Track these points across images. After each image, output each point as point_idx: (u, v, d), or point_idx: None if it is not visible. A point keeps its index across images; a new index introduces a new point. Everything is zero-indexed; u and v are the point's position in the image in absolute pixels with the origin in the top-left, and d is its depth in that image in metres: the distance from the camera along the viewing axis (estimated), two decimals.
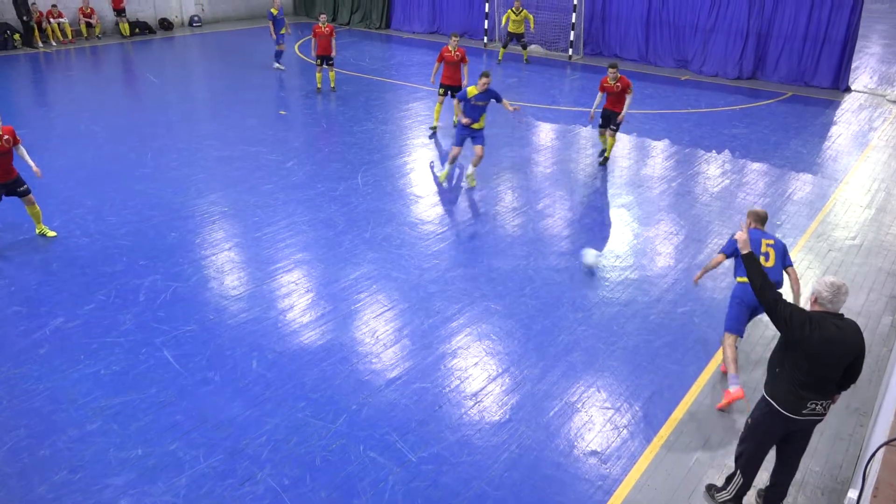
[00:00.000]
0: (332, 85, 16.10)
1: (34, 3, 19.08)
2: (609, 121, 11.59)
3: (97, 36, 20.66)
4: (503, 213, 9.98)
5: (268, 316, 7.18)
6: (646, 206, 10.35)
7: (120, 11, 20.92)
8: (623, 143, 13.12)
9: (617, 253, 8.86)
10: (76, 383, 6.08)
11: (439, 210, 9.99)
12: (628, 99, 11.28)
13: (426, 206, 10.13)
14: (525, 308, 7.49)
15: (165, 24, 22.48)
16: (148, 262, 8.14)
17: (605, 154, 11.89)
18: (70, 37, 19.93)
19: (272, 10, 17.15)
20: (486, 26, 21.87)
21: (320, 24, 15.40)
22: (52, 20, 19.46)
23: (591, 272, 8.26)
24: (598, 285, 8.03)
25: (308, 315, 7.23)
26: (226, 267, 8.17)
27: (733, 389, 5.97)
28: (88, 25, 20.41)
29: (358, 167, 11.39)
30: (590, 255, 8.31)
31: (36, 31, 19.12)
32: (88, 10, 20.32)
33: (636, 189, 11.01)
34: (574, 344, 6.90)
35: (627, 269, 8.45)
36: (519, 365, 6.57)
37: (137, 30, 21.46)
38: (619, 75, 11.21)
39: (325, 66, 15.68)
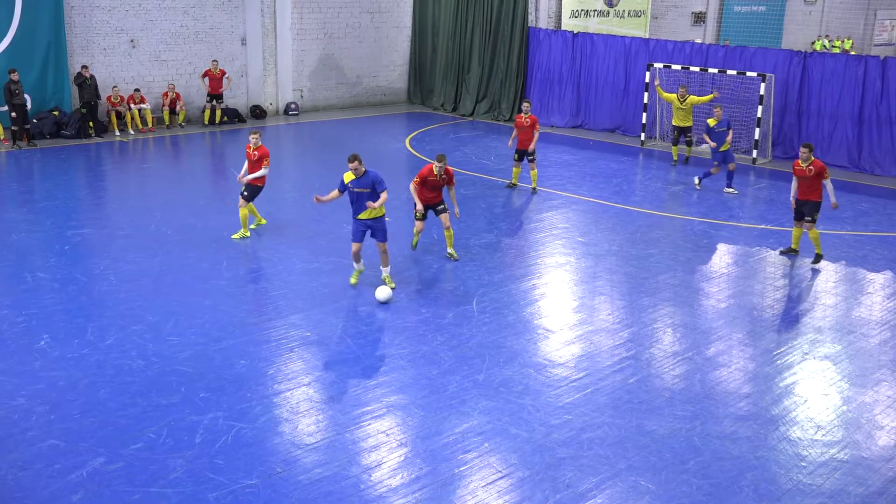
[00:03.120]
0: (534, 185, 16.96)
1: (115, 87, 21.45)
2: (803, 212, 12.86)
3: (180, 124, 22.81)
4: (660, 358, 9.75)
5: (348, 473, 7.22)
6: (860, 361, 9.80)
7: (218, 97, 23.08)
8: (827, 274, 12.69)
9: (819, 423, 8.35)
10: None
11: (576, 349, 9.90)
12: (828, 184, 12.65)
13: (559, 343, 10.08)
14: (688, 489, 7.13)
15: (258, 113, 24.53)
16: (210, 395, 8.48)
17: (815, 259, 12.94)
18: (150, 125, 22.11)
19: (710, 121, 17.06)
20: (643, 120, 22.30)
21: (522, 114, 16.43)
22: (132, 106, 21.72)
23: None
24: (791, 465, 7.55)
25: (399, 476, 7.20)
26: (302, 407, 8.38)
27: None
28: (172, 112, 22.62)
29: (474, 289, 11.59)
30: (382, 292, 10.92)
31: (114, 117, 21.39)
32: (174, 96, 22.58)
33: (846, 336, 10.50)
34: None
35: (834, 445, 7.92)
36: None
37: (226, 118, 23.52)
38: (812, 157, 12.55)
39: (524, 161, 16.64)
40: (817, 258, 12.92)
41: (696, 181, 17.65)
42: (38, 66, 20.47)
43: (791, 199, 13.03)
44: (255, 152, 13.34)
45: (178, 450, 7.49)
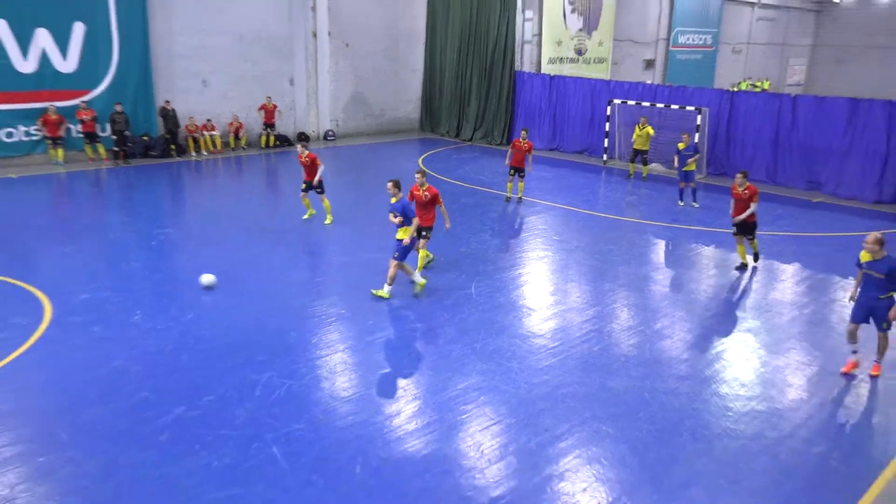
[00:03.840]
0: (520, 195, 16.89)
1: (192, 118, 21.49)
2: (739, 228, 12.32)
3: (242, 147, 22.83)
4: (618, 331, 9.76)
5: (374, 420, 7.26)
6: (775, 333, 9.80)
7: (271, 125, 23.18)
8: (750, 266, 12.64)
9: (742, 381, 8.36)
10: (189, 473, 6.34)
11: (552, 324, 9.92)
12: (753, 206, 11.95)
13: (539, 319, 10.09)
14: (639, 433, 7.15)
15: (303, 138, 24.50)
16: (266, 359, 8.53)
17: (755, 258, 12.55)
18: (219, 148, 22.14)
19: (679, 144, 16.59)
20: (605, 144, 22.29)
21: (520, 140, 16.30)
22: (205, 132, 21.78)
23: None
24: (720, 414, 7.57)
25: (414, 423, 7.25)
26: (338, 368, 8.42)
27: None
28: (236, 137, 22.65)
29: (471, 277, 11.60)
30: (206, 279, 9.60)
31: (191, 142, 21.47)
32: (238, 125, 22.62)
33: (763, 314, 10.49)
34: (693, 478, 6.46)
35: (754, 399, 7.93)
36: (631, 495, 6.20)
37: (278, 142, 23.54)
38: (746, 182, 11.99)
39: (516, 176, 16.59)
40: (756, 256, 12.52)
41: (694, 203, 16.80)
42: (131, 101, 20.47)
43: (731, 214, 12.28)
44: (307, 158, 13.69)
45: (241, 401, 7.54)
